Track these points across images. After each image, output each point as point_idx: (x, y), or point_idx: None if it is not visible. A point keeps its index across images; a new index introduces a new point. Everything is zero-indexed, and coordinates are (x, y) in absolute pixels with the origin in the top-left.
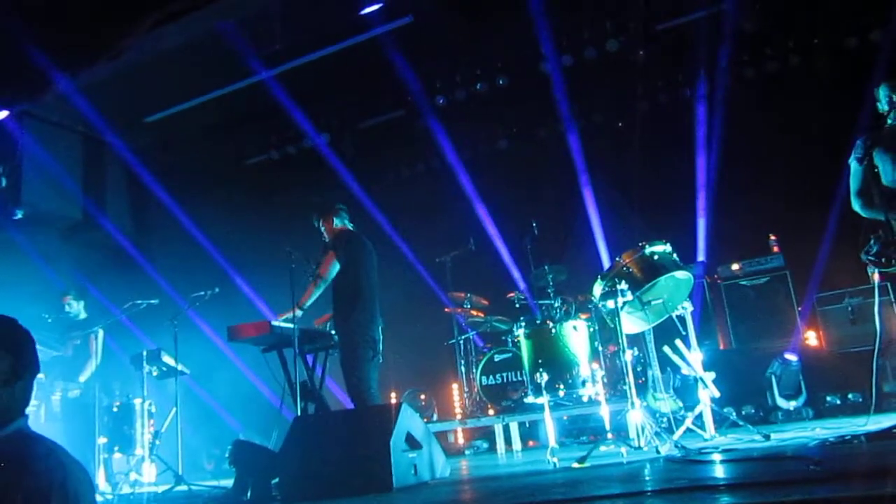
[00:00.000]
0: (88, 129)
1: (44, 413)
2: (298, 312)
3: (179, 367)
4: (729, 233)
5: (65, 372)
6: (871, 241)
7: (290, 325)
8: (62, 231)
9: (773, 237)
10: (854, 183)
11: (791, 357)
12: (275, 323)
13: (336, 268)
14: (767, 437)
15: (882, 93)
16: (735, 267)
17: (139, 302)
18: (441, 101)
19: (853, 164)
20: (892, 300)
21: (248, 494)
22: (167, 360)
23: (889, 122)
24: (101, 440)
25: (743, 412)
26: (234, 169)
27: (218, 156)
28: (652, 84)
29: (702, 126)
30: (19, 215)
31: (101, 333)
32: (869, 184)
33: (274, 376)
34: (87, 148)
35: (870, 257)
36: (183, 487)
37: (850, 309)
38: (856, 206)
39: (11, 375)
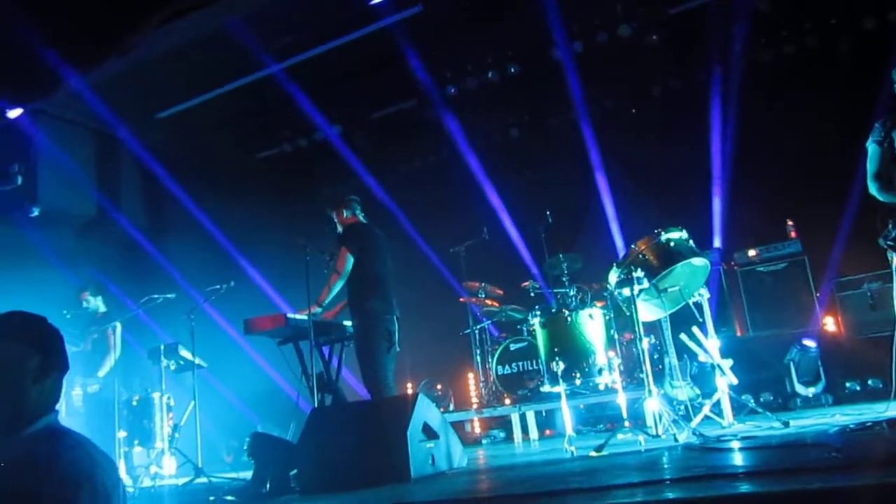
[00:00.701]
0: (101, 125)
1: (64, 408)
2: (318, 310)
3: (197, 361)
4: (745, 218)
5: (84, 367)
6: (890, 226)
7: (305, 318)
8: (77, 228)
9: (790, 222)
10: (871, 166)
11: (809, 343)
12: (290, 315)
13: (351, 262)
14: (786, 424)
15: None
16: (752, 253)
17: (156, 296)
18: (452, 91)
19: (871, 147)
20: None
21: (267, 486)
22: (184, 353)
23: None
24: (121, 434)
25: (761, 399)
26: (247, 163)
27: (230, 150)
28: (665, 69)
29: (716, 111)
30: (35, 213)
31: (118, 327)
32: (887, 167)
33: (290, 368)
34: (100, 144)
35: (888, 242)
36: (203, 480)
37: (869, 294)
38: (873, 189)
39: (41, 373)
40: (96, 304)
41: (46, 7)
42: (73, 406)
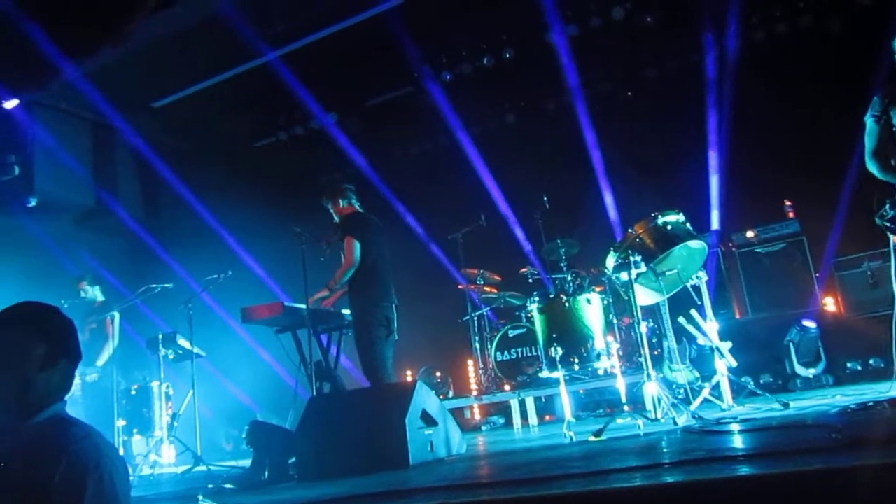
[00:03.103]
0: (97, 115)
1: None
2: (326, 294)
3: (195, 350)
4: (742, 199)
5: (83, 357)
6: (887, 206)
7: (303, 306)
8: (75, 218)
9: (787, 202)
10: (870, 142)
11: (809, 324)
12: (288, 304)
13: (358, 249)
14: (786, 406)
15: None
16: (750, 234)
17: (154, 286)
18: (447, 77)
19: (869, 122)
20: None
21: (266, 474)
22: (182, 343)
23: None
24: (120, 423)
25: (761, 381)
26: (244, 151)
27: (226, 139)
28: (660, 51)
29: (712, 92)
30: (33, 203)
31: (117, 316)
32: (885, 143)
33: (289, 357)
34: (96, 135)
35: (885, 222)
36: (202, 468)
37: (868, 273)
38: (871, 167)
39: (47, 361)
40: (94, 293)
41: None
42: (72, 395)
